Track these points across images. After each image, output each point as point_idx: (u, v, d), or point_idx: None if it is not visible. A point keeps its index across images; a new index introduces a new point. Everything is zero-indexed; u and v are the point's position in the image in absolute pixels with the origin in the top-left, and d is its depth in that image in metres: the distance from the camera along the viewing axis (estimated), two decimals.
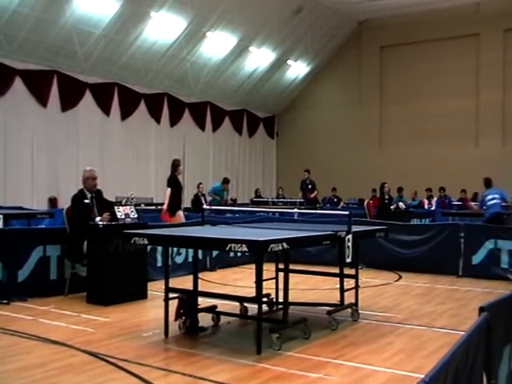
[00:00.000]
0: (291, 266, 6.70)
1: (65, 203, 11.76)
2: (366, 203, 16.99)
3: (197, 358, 5.37)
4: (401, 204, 17.13)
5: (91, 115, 20.26)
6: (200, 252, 9.89)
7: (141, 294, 8.11)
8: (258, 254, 5.49)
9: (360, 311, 7.04)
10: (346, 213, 6.87)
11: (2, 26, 16.78)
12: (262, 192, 26.55)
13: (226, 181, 18.13)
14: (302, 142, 28.93)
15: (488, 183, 13.06)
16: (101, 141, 20.68)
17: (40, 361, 5.23)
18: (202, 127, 25.52)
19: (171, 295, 6.16)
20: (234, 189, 27.64)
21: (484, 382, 2.93)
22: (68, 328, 6.40)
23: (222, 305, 6.89)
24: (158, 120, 23.19)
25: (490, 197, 12.63)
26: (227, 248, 5.25)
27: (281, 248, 5.34)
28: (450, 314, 7.34)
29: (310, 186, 19.47)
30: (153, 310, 7.53)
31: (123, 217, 8.14)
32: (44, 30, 17.72)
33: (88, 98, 20.16)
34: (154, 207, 18.44)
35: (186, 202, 19.90)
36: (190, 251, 9.46)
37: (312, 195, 19.31)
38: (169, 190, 12.12)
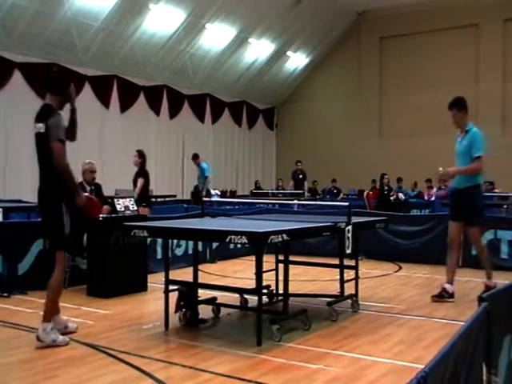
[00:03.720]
0: (291, 258, 6.70)
1: None
2: (365, 194, 16.99)
3: (197, 349, 5.38)
4: (400, 195, 17.14)
5: (90, 108, 20.21)
6: (200, 244, 9.89)
7: (141, 287, 8.12)
8: (257, 245, 5.49)
9: (360, 302, 7.04)
10: (346, 204, 6.86)
11: (0, 19, 16.74)
12: (262, 183, 26.56)
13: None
14: (302, 133, 28.91)
15: None
16: (100, 133, 20.67)
17: (41, 353, 5.24)
18: (202, 119, 25.50)
19: (171, 287, 6.16)
20: (234, 180, 27.68)
21: (484, 373, 2.93)
22: (68, 321, 6.40)
23: (222, 296, 6.89)
24: (157, 112, 23.18)
25: None
26: (227, 240, 5.24)
27: (281, 239, 5.34)
28: (450, 304, 7.34)
29: (300, 176, 19.59)
30: (153, 302, 7.54)
31: (123, 209, 8.14)
32: (43, 23, 17.69)
33: (87, 91, 20.14)
34: (153, 199, 18.44)
35: (186, 194, 19.89)
36: (190, 243, 9.46)
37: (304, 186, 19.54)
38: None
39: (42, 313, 5.51)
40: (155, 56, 21.81)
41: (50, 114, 5.51)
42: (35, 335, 5.42)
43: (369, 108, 27.36)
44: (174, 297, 6.18)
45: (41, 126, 5.46)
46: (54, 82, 5.80)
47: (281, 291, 6.94)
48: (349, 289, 7.04)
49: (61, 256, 5.59)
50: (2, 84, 17.54)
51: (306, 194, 19.69)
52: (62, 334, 5.71)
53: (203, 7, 21.43)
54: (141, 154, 11.24)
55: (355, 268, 7.12)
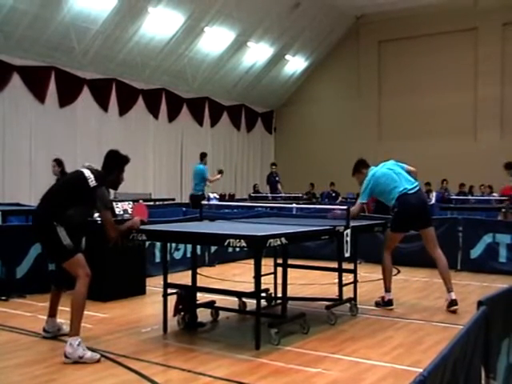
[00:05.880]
0: (290, 261, 6.70)
1: None
2: None
3: (195, 353, 5.37)
4: None
5: (89, 111, 20.24)
6: (199, 247, 9.88)
7: (139, 290, 8.12)
8: (256, 249, 5.49)
9: (359, 306, 7.04)
10: (345, 207, 6.87)
11: None
12: (261, 187, 26.52)
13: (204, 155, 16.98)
14: (300, 136, 28.91)
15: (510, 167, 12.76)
16: (99, 136, 20.65)
17: (39, 357, 5.23)
18: (200, 122, 25.50)
19: (170, 291, 6.17)
20: (232, 183, 27.71)
21: (482, 376, 2.93)
22: (67, 324, 6.39)
23: (221, 300, 6.89)
24: (156, 116, 23.17)
25: None
26: (226, 243, 5.24)
27: (279, 243, 5.34)
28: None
29: (277, 179, 19.62)
30: (151, 305, 7.53)
31: (122, 212, 8.12)
32: (41, 26, 17.68)
33: (86, 94, 20.14)
34: (152, 203, 18.43)
35: (185, 198, 19.88)
36: (189, 247, 9.44)
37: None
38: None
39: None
40: (154, 59, 21.80)
41: (102, 183, 5.61)
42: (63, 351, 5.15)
43: (368, 111, 27.37)
44: (172, 300, 6.17)
45: (92, 180, 5.58)
46: (106, 161, 6.13)
47: (279, 295, 6.93)
48: (347, 292, 7.05)
49: (74, 265, 5.42)
50: (0, 87, 17.53)
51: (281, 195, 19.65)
52: (55, 337, 5.70)
53: (202, 10, 21.43)
54: (59, 163, 11.13)
55: (354, 271, 7.13)
